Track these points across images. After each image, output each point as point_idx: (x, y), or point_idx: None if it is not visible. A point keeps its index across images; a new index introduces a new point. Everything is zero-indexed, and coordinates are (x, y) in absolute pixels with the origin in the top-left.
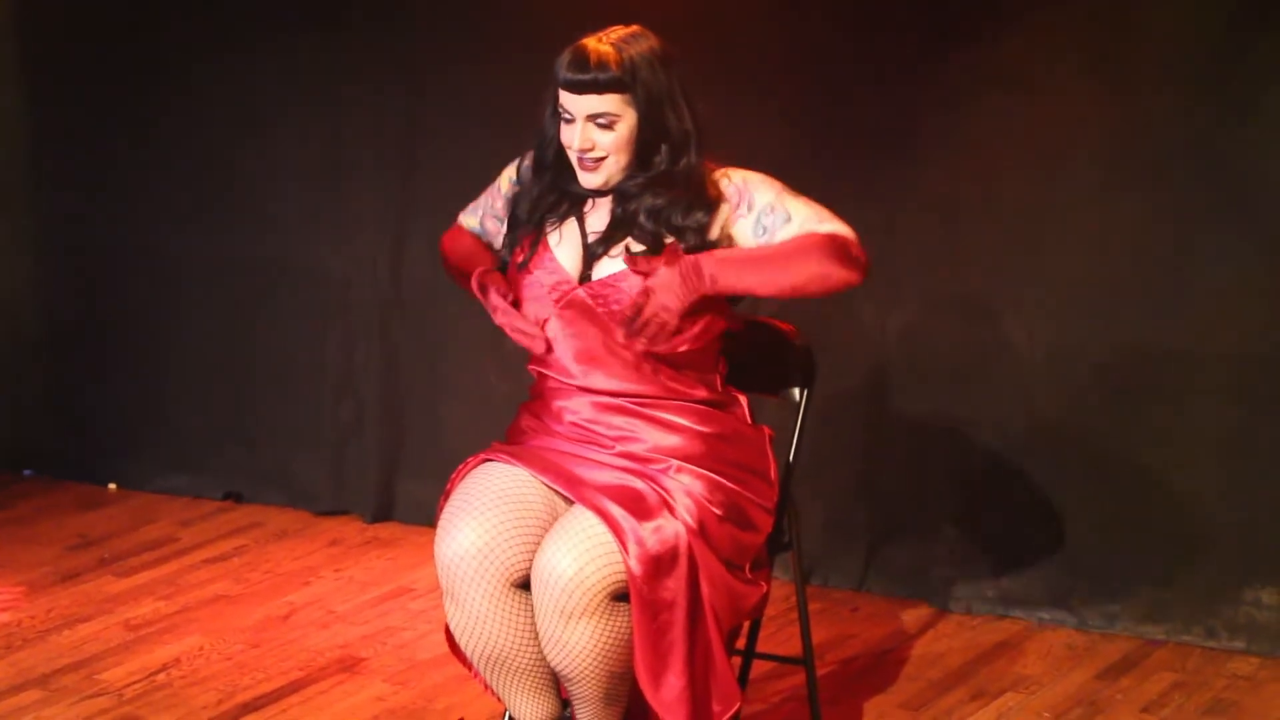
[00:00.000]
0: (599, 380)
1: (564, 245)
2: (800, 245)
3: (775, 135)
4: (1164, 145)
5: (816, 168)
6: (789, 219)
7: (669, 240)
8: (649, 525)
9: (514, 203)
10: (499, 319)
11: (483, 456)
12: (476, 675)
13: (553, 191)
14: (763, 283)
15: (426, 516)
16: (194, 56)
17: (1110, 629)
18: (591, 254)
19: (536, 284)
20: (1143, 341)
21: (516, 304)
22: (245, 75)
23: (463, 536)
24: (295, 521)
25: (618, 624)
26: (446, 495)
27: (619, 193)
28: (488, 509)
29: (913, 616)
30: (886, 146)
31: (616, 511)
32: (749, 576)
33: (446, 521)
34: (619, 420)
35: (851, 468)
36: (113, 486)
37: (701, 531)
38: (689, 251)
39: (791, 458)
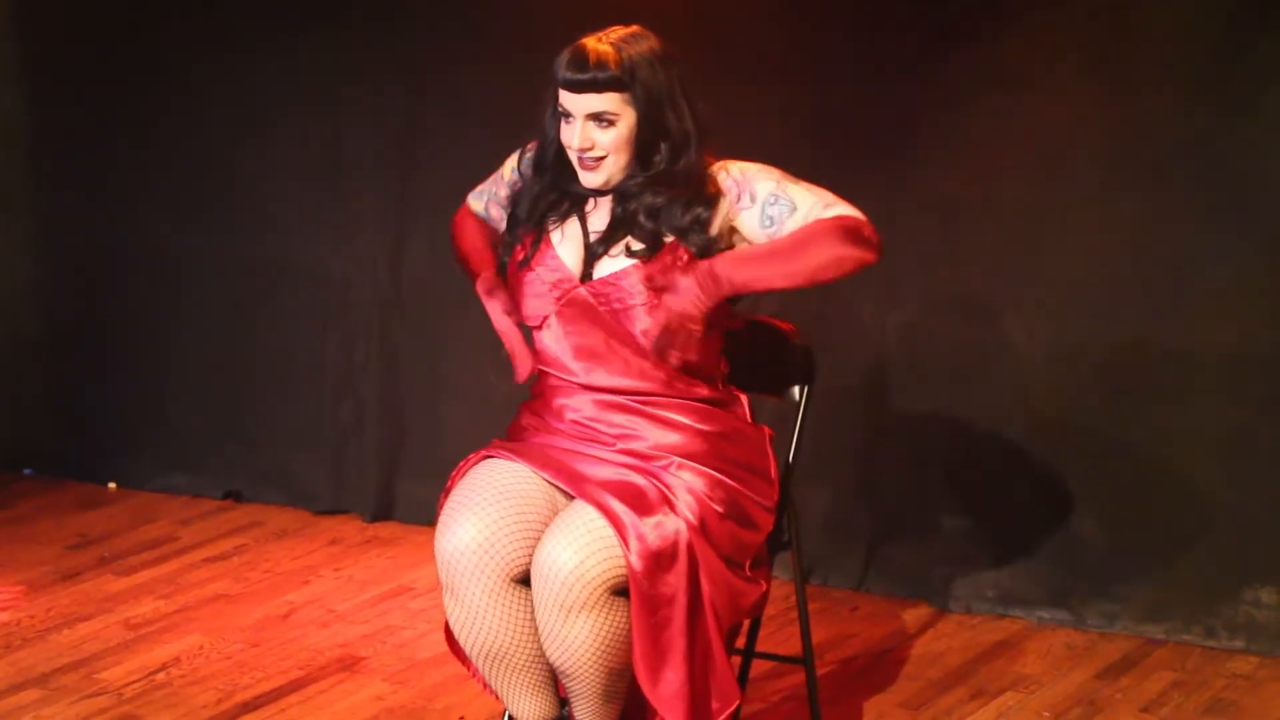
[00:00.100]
0: (600, 378)
1: (566, 243)
2: (810, 233)
3: (775, 135)
4: (1164, 145)
5: (816, 167)
6: (794, 208)
7: (669, 239)
8: (650, 521)
9: (513, 201)
10: (498, 327)
11: (484, 453)
12: (475, 674)
13: (553, 191)
14: (778, 276)
15: (426, 516)
16: (194, 56)
17: (1110, 628)
18: (592, 253)
19: (538, 281)
20: (1143, 341)
21: (522, 325)
22: (245, 75)
23: (463, 531)
24: (295, 521)
25: (617, 619)
26: (447, 492)
27: (619, 192)
28: (488, 504)
29: (912, 616)
30: (886, 146)
31: (617, 507)
32: (749, 574)
33: (447, 516)
34: (620, 418)
35: (851, 467)
36: (112, 486)
37: (702, 528)
38: (693, 250)
39: (791, 457)
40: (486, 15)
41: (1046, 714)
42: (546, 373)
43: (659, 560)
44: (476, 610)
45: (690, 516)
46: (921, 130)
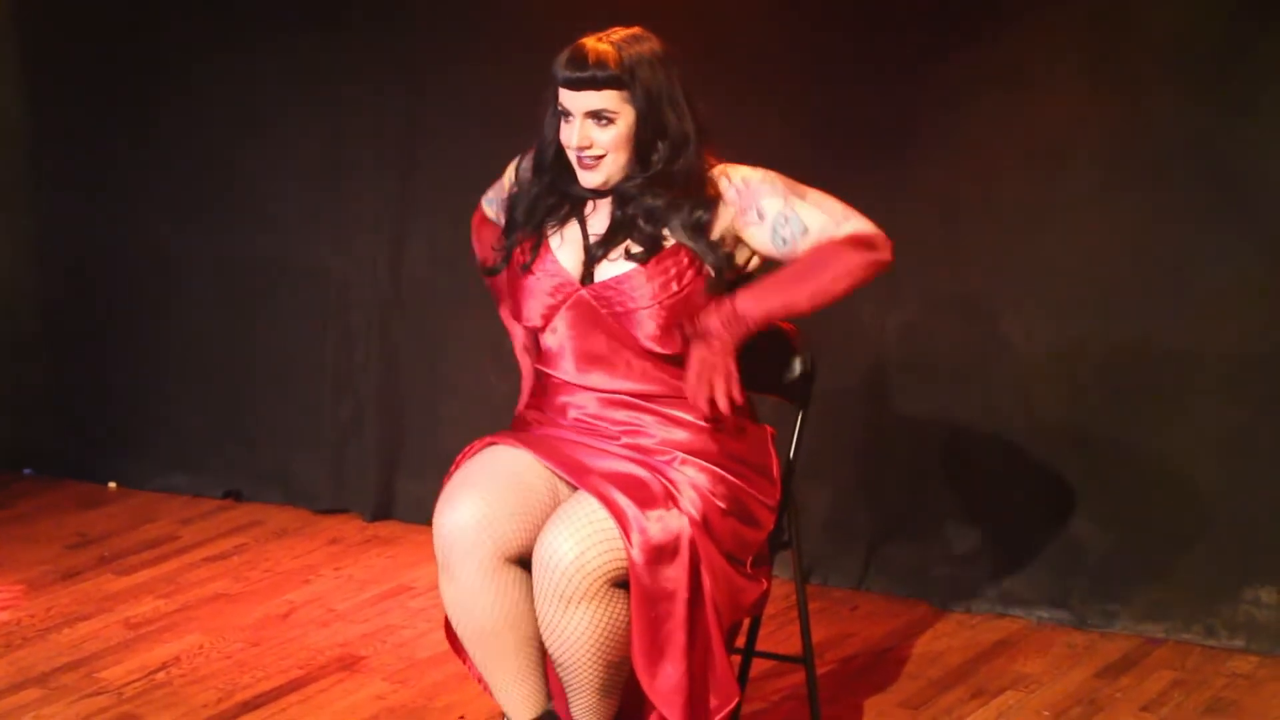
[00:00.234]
0: (602, 380)
1: (565, 247)
2: (824, 256)
3: (775, 135)
4: (1164, 145)
5: (816, 167)
6: (806, 230)
7: (669, 242)
8: (652, 514)
9: (511, 205)
10: (517, 355)
11: (489, 440)
12: (471, 668)
13: (552, 193)
14: (801, 301)
15: (426, 515)
16: (194, 56)
17: (1110, 628)
18: (592, 255)
19: (538, 286)
20: (1142, 341)
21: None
22: (245, 75)
23: (461, 508)
24: (295, 520)
25: (616, 611)
26: (449, 477)
27: (618, 194)
28: (488, 485)
29: (912, 615)
30: (886, 146)
31: (620, 499)
32: (750, 572)
33: (447, 495)
34: (624, 414)
35: (851, 467)
36: (113, 485)
37: (704, 524)
38: (694, 253)
39: (792, 456)
40: (486, 15)
41: (1046, 713)
42: (550, 375)
43: (660, 554)
44: (470, 587)
45: (693, 512)
46: (921, 130)
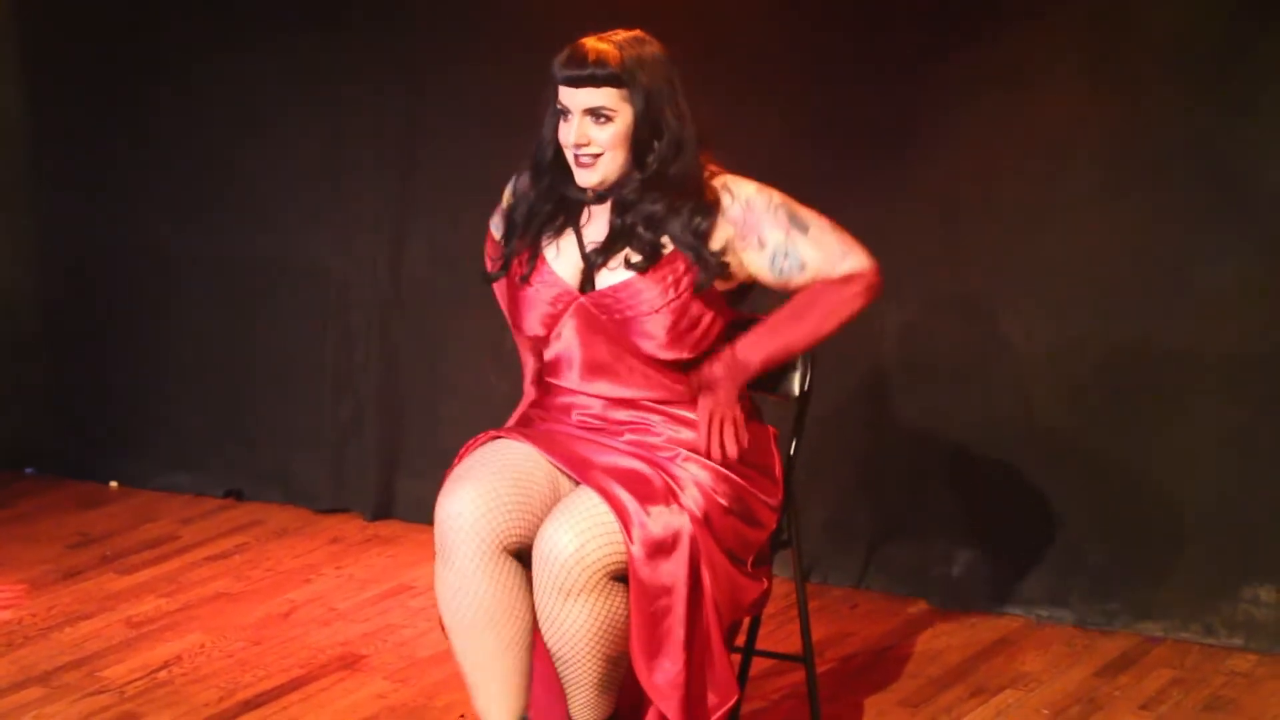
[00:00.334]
0: (607, 388)
1: (562, 258)
2: (817, 295)
3: (775, 135)
4: (1164, 145)
5: (816, 167)
6: (803, 266)
7: (666, 249)
8: (653, 509)
9: (510, 211)
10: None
11: (492, 434)
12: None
13: (549, 198)
14: (796, 343)
15: (427, 514)
16: (194, 56)
17: (1109, 626)
18: (591, 263)
19: (537, 296)
20: (1142, 341)
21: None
22: (245, 75)
23: (462, 496)
24: (296, 519)
25: (615, 604)
26: (452, 470)
27: (617, 202)
28: (490, 477)
29: (912, 614)
30: (886, 146)
31: (621, 493)
32: (751, 571)
33: (449, 484)
34: (629, 414)
35: (851, 466)
36: (114, 485)
37: (706, 521)
38: (691, 260)
39: (792, 455)
40: (487, 15)
41: (1046, 711)
42: (554, 384)
43: (660, 548)
44: (464, 572)
45: (695, 509)
46: (921, 130)
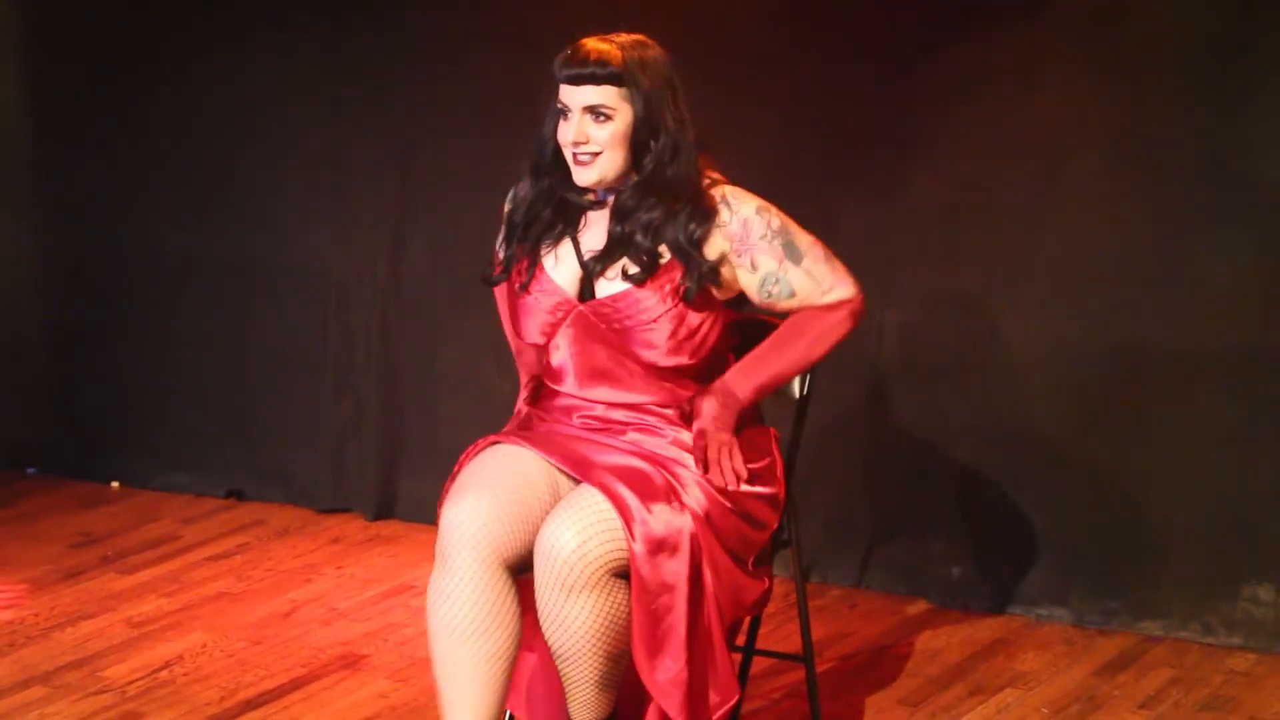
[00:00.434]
0: (607, 394)
1: (560, 267)
2: (805, 323)
3: (775, 135)
4: (1163, 144)
5: (816, 167)
6: (792, 294)
7: (664, 259)
8: (655, 507)
9: (510, 214)
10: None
11: (492, 438)
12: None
13: (548, 202)
14: (786, 371)
15: (427, 514)
16: (195, 57)
17: (1108, 625)
18: (590, 271)
19: (536, 304)
20: (1141, 339)
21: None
22: (246, 75)
23: (465, 505)
24: (297, 519)
25: (617, 601)
26: (453, 478)
27: (615, 208)
28: (492, 486)
29: (911, 613)
30: (886, 145)
31: (623, 491)
32: (752, 570)
33: (453, 494)
34: (631, 415)
35: (850, 465)
36: (115, 485)
37: (708, 520)
38: (686, 268)
39: (792, 455)
40: (488, 16)
41: (1045, 710)
42: (556, 390)
43: (661, 546)
44: (461, 581)
45: (697, 508)
46: (921, 130)
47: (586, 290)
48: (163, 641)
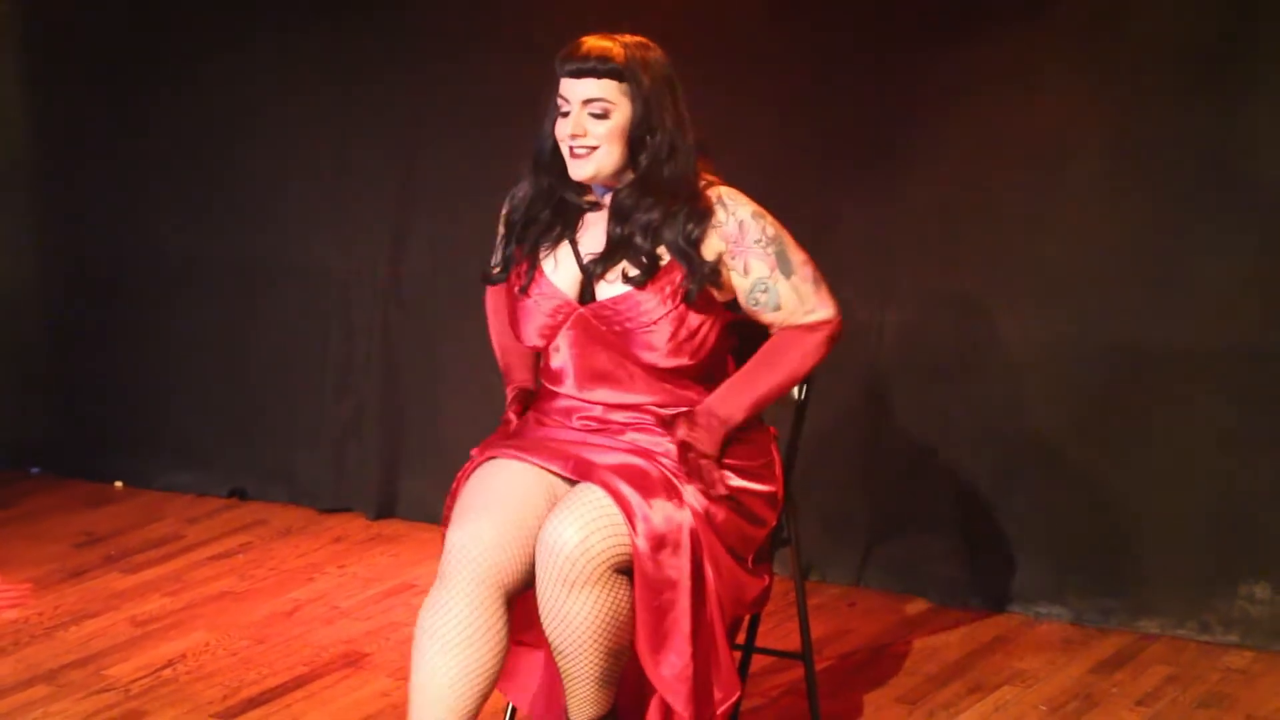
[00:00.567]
0: (607, 395)
1: (560, 270)
2: (785, 344)
3: (774, 135)
4: (1162, 144)
5: (815, 166)
6: (778, 307)
7: (664, 261)
8: (655, 503)
9: (510, 214)
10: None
11: (489, 454)
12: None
13: (547, 202)
14: (770, 393)
15: (428, 513)
16: (195, 56)
17: (1105, 623)
18: (589, 274)
19: (536, 308)
20: (1138, 339)
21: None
22: (246, 75)
23: (469, 530)
24: (299, 519)
25: (618, 597)
26: (453, 495)
27: (614, 209)
28: (495, 508)
29: (910, 611)
30: (885, 145)
31: (625, 489)
32: (752, 568)
33: (457, 518)
34: (631, 415)
35: (849, 465)
36: (119, 484)
37: (708, 518)
38: (686, 270)
39: (791, 454)
40: (488, 16)
41: (1043, 708)
42: (556, 392)
43: (664, 542)
44: (457, 597)
45: (696, 506)
46: (921, 129)
47: (586, 293)
48: (166, 640)
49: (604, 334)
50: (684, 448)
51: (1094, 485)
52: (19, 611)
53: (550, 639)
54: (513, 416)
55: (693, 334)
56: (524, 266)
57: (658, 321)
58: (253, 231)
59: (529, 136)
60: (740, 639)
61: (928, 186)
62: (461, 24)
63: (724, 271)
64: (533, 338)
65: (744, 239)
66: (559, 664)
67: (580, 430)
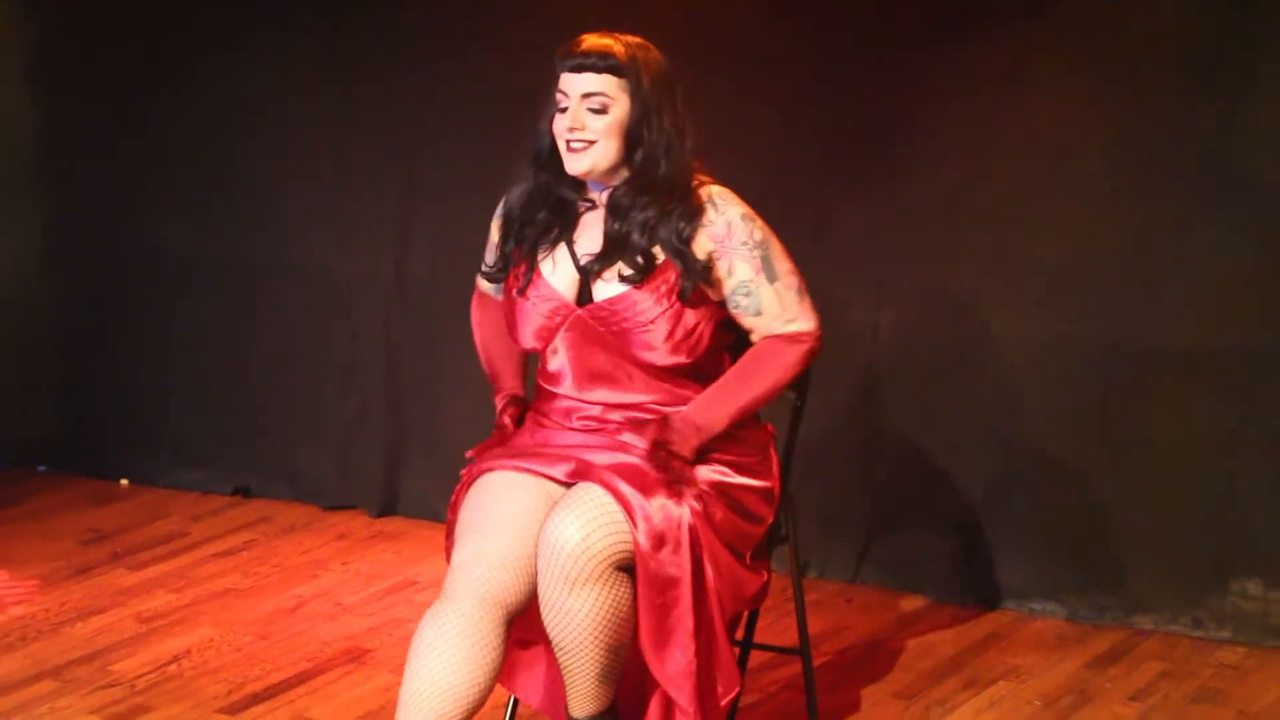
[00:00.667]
0: (606, 395)
1: (558, 272)
2: (763, 356)
3: (774, 134)
4: (1162, 144)
5: (814, 166)
6: (758, 312)
7: (659, 259)
8: (654, 501)
9: (507, 214)
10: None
11: (486, 467)
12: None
13: (545, 201)
14: (748, 405)
15: (430, 511)
16: (195, 56)
17: (1100, 619)
18: (587, 272)
19: (533, 310)
20: (1131, 338)
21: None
22: (247, 75)
23: (473, 550)
24: (303, 516)
25: (620, 594)
26: (454, 508)
27: (610, 206)
28: (498, 529)
29: (906, 607)
30: (884, 145)
31: (624, 488)
32: (750, 564)
33: (462, 538)
34: (629, 415)
35: (847, 463)
36: (125, 482)
37: (706, 516)
38: (681, 269)
39: (788, 453)
40: (488, 16)
41: (1038, 703)
42: (555, 393)
43: (664, 540)
44: (459, 610)
45: (694, 504)
46: (920, 129)
47: (584, 294)
48: (171, 636)
49: (602, 335)
50: (655, 446)
51: (1088, 483)
52: (26, 607)
53: (551, 635)
54: (507, 422)
55: (689, 332)
56: (522, 268)
57: (654, 320)
58: (258, 231)
59: (529, 136)
60: (739, 634)
61: (927, 186)
62: (461, 24)
63: (714, 269)
64: (529, 340)
65: (731, 240)
66: (560, 660)
67: (579, 431)
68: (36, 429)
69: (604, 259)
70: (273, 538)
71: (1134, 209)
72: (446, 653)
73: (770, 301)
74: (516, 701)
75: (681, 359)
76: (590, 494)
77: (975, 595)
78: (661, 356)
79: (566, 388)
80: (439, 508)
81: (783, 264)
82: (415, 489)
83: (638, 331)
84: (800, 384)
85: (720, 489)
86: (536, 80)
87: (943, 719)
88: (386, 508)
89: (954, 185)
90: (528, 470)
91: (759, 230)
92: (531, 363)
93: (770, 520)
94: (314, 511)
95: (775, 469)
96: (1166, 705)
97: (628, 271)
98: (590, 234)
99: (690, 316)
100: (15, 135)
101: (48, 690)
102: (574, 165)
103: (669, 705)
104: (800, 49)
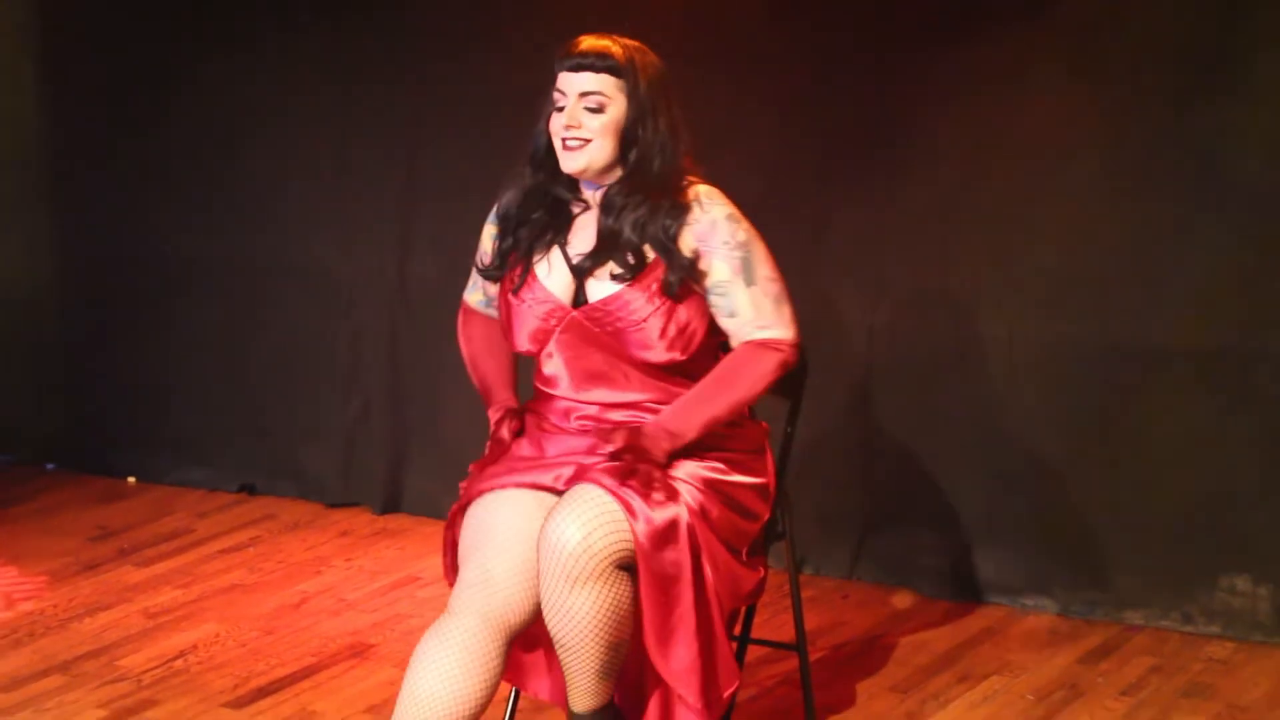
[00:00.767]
0: (603, 395)
1: (553, 275)
2: (738, 365)
3: (773, 135)
4: (1160, 145)
5: (813, 166)
6: (733, 314)
7: (650, 257)
8: (654, 500)
9: (504, 214)
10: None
11: (490, 486)
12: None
13: (541, 201)
14: (722, 414)
15: (433, 508)
16: (196, 57)
17: (1091, 615)
18: (581, 272)
19: (529, 312)
20: (1123, 337)
21: (521, 429)
22: (248, 76)
23: (477, 572)
24: (307, 513)
25: (620, 592)
26: (450, 525)
27: (604, 204)
28: (499, 550)
29: (901, 603)
30: (883, 145)
31: (624, 489)
32: (746, 560)
33: (465, 560)
34: (625, 414)
35: (842, 460)
36: (132, 480)
37: (703, 514)
38: (669, 266)
39: (785, 450)
40: (488, 16)
41: (1030, 697)
42: (552, 395)
43: (664, 539)
44: (461, 626)
45: (690, 502)
46: (918, 129)
47: (578, 297)
48: (177, 631)
49: (597, 335)
50: (623, 450)
51: (1079, 481)
52: (35, 603)
53: (552, 633)
54: (505, 435)
55: (682, 329)
56: (518, 270)
57: (647, 319)
58: (262, 232)
59: (529, 136)
60: (736, 630)
61: (927, 186)
62: (461, 24)
63: (700, 267)
64: (524, 343)
65: (713, 238)
66: (560, 657)
67: (578, 432)
68: (44, 427)
69: (596, 256)
70: (277, 535)
71: (1133, 209)
72: (446, 666)
73: (745, 305)
74: (518, 695)
75: (677, 356)
76: (590, 494)
77: (969, 592)
78: (657, 354)
79: (564, 389)
80: (441, 505)
81: (763, 269)
82: (418, 486)
83: (632, 330)
84: (796, 383)
85: (715, 486)
86: (536, 80)
87: (937, 713)
88: (390, 505)
89: (954, 185)
90: (527, 485)
91: (743, 232)
92: (523, 370)
93: (766, 517)
94: (318, 509)
95: (770, 465)
96: (1157, 699)
97: (619, 270)
98: (584, 235)
99: (682, 313)
100: (20, 138)
101: (56, 685)
102: (569, 163)
103: (668, 700)
104: (800, 49)
